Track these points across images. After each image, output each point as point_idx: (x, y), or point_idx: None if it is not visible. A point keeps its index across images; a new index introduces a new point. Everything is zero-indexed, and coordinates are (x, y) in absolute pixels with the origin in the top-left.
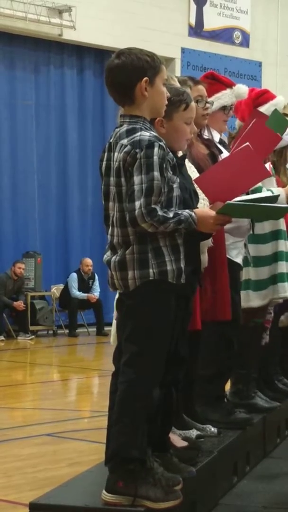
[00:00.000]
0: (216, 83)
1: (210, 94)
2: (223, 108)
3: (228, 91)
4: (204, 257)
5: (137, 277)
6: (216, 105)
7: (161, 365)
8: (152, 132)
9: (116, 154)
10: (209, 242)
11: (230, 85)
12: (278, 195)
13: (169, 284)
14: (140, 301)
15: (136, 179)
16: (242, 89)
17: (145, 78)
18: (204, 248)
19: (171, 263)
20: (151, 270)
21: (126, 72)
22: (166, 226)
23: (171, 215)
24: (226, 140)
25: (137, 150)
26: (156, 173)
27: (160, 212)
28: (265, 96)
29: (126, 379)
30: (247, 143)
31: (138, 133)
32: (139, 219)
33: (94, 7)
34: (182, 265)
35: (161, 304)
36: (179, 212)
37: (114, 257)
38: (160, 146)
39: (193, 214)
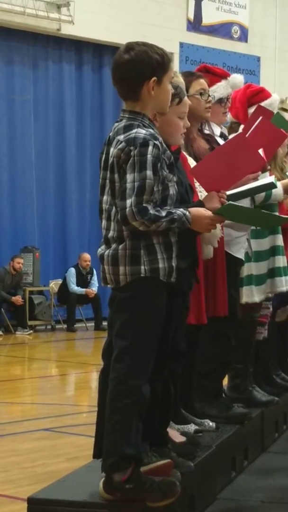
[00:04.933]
0: (210, 76)
1: None
2: (220, 101)
3: (223, 82)
4: (210, 249)
5: (128, 273)
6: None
7: (149, 360)
8: (150, 130)
9: (112, 149)
10: (219, 233)
11: (224, 76)
12: (272, 182)
13: (160, 282)
14: (130, 297)
15: (129, 177)
16: (237, 79)
17: (153, 78)
18: (213, 240)
19: (163, 261)
20: (142, 267)
21: (135, 70)
22: (158, 225)
23: (163, 214)
24: (226, 132)
25: (131, 148)
26: (149, 172)
27: (151, 211)
28: (260, 96)
29: (115, 375)
30: (240, 131)
31: (134, 130)
32: (129, 218)
33: (92, 2)
34: (174, 264)
35: (151, 301)
36: (173, 211)
37: (107, 251)
38: (154, 145)
39: (187, 213)
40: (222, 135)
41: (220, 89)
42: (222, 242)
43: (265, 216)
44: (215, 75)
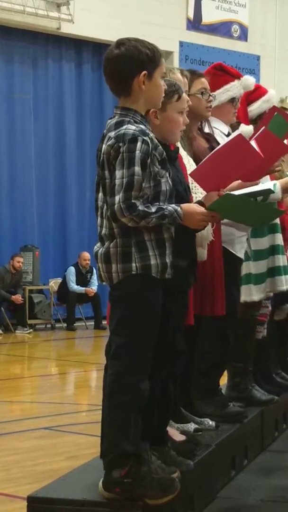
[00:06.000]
0: (224, 74)
1: (219, 85)
2: (232, 100)
3: (236, 82)
4: (203, 251)
5: (120, 270)
6: (225, 97)
7: (147, 357)
8: (140, 126)
9: (103, 146)
10: (209, 236)
11: (238, 76)
12: (270, 188)
13: (153, 279)
14: (123, 295)
15: (118, 173)
16: (249, 80)
17: (144, 72)
18: (204, 243)
19: (155, 257)
20: (133, 264)
21: (125, 64)
22: (148, 221)
23: (153, 209)
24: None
25: (120, 144)
26: (137, 168)
27: (140, 207)
28: (257, 93)
29: (113, 371)
30: (238, 132)
31: (124, 126)
32: (118, 214)
33: (92, 1)
34: (168, 260)
35: (144, 298)
36: (164, 206)
37: (101, 249)
38: (143, 141)
39: (178, 209)
40: (229, 135)
41: (233, 89)
42: (218, 242)
43: (260, 209)
44: (229, 75)
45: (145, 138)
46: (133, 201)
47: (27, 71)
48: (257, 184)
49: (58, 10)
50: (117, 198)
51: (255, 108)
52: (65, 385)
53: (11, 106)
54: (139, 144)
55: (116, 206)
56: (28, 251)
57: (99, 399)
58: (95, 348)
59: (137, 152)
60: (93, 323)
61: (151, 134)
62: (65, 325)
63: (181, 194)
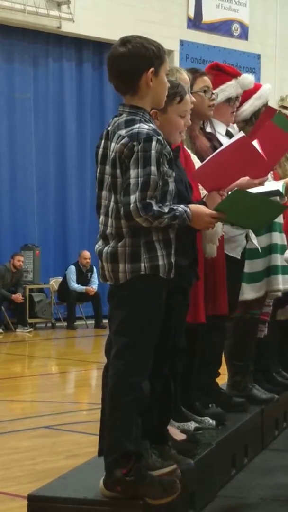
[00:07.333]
0: (221, 74)
1: (215, 85)
2: (228, 100)
3: (233, 82)
4: (213, 247)
5: (128, 270)
6: (221, 97)
7: (149, 357)
8: (151, 125)
9: (113, 144)
10: (220, 231)
11: (236, 75)
12: (279, 190)
13: (160, 279)
14: (130, 295)
15: (133, 172)
16: (247, 80)
17: (151, 69)
18: (214, 238)
19: (162, 257)
20: (142, 264)
21: (132, 62)
22: (160, 222)
23: (166, 210)
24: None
25: (135, 143)
26: (153, 168)
27: (155, 207)
28: (248, 91)
29: (115, 371)
30: (242, 133)
31: (137, 125)
32: (134, 214)
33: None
34: (173, 260)
35: (151, 298)
36: (174, 207)
37: (106, 248)
38: (158, 140)
39: (188, 210)
40: (228, 134)
41: (229, 89)
42: (222, 240)
43: (267, 206)
44: (227, 74)
45: (158, 137)
46: (148, 201)
47: (27, 70)
48: (265, 180)
49: (59, 9)
50: (132, 197)
51: (247, 107)
52: (66, 384)
53: (11, 105)
54: (153, 143)
55: (132, 205)
56: (29, 250)
57: (99, 398)
58: (96, 347)
59: (153, 152)
60: (93, 322)
61: (162, 134)
62: (65, 324)
63: (183, 193)
